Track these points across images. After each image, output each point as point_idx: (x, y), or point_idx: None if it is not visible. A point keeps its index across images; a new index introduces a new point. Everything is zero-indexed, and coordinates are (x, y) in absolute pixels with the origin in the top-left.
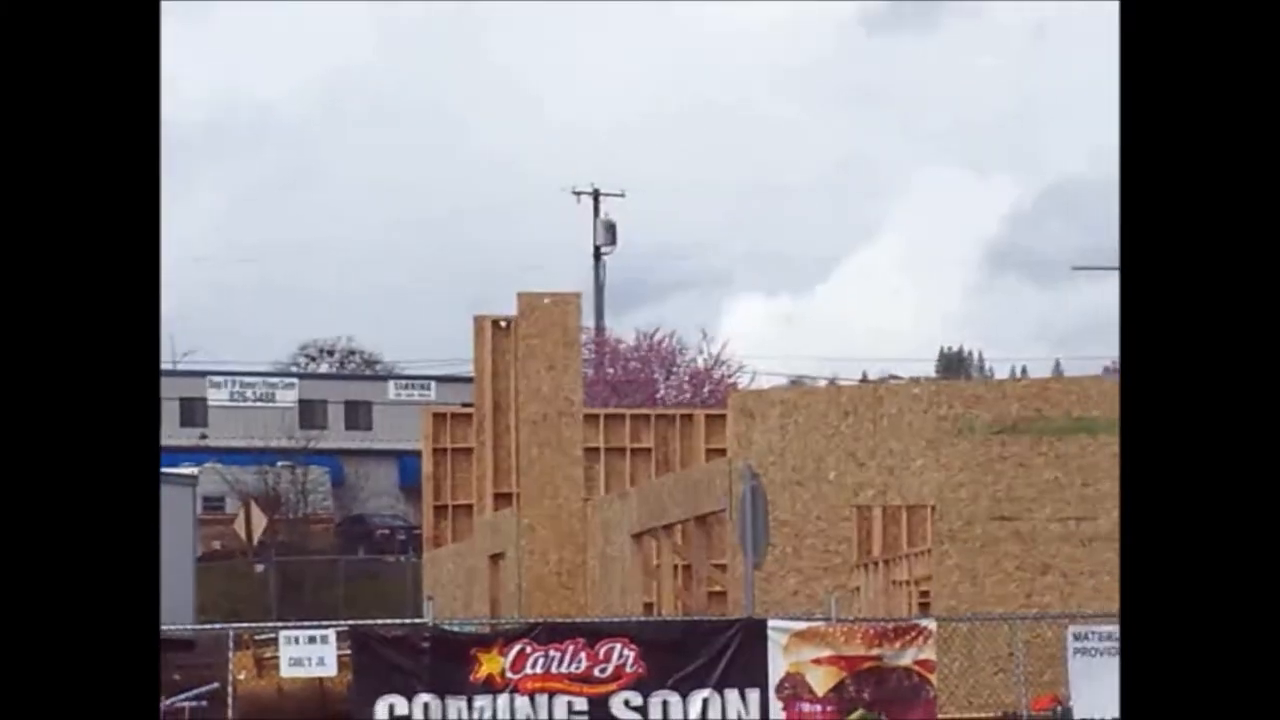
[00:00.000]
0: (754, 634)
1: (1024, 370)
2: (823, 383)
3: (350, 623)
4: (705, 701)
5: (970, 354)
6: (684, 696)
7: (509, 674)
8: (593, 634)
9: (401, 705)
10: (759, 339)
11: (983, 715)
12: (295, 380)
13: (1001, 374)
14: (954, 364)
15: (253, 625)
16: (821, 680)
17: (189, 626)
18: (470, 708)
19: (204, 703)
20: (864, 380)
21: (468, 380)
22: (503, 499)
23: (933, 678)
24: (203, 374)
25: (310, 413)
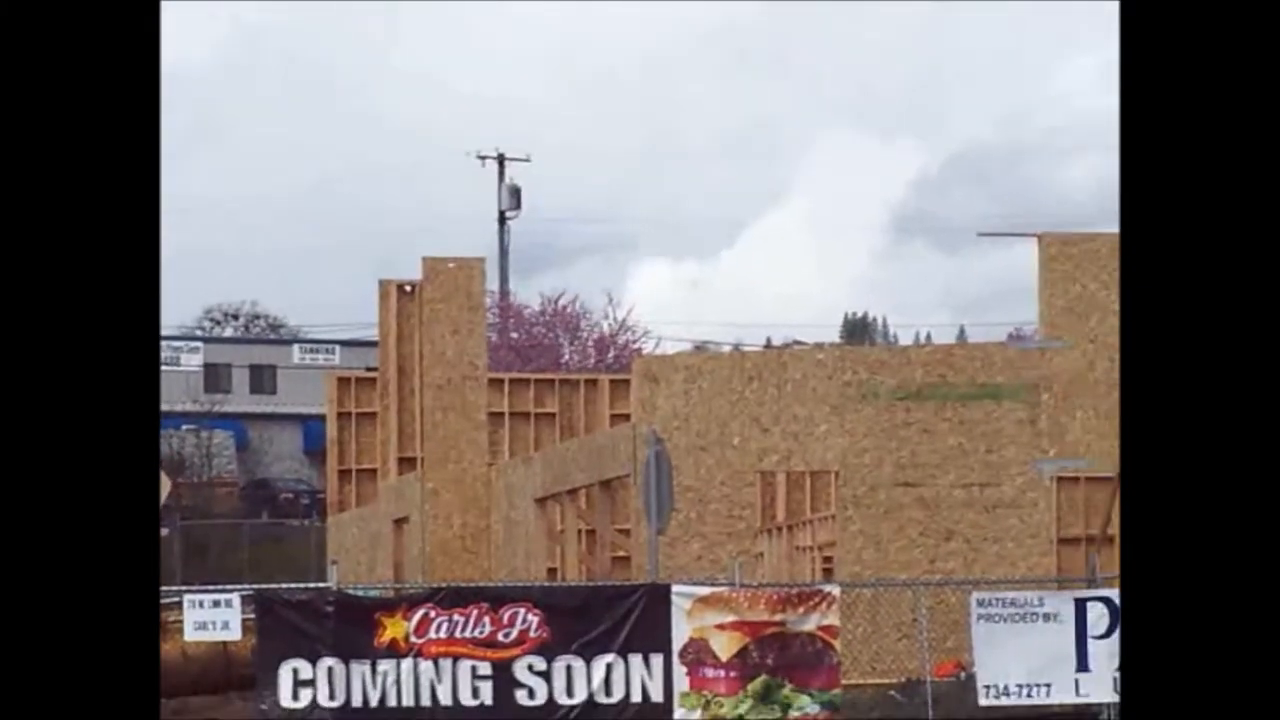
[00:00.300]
0: (658, 599)
1: (928, 336)
2: (727, 348)
3: (254, 587)
4: (609, 666)
5: (875, 320)
6: (587, 662)
7: (413, 638)
8: (496, 599)
9: (305, 669)
10: (664, 304)
11: (886, 681)
12: (200, 344)
13: (906, 340)
14: (858, 330)
15: None
16: (725, 645)
17: None
18: (374, 672)
19: None
20: (768, 346)
21: (372, 345)
22: (407, 463)
23: (836, 643)
24: None
25: (215, 377)
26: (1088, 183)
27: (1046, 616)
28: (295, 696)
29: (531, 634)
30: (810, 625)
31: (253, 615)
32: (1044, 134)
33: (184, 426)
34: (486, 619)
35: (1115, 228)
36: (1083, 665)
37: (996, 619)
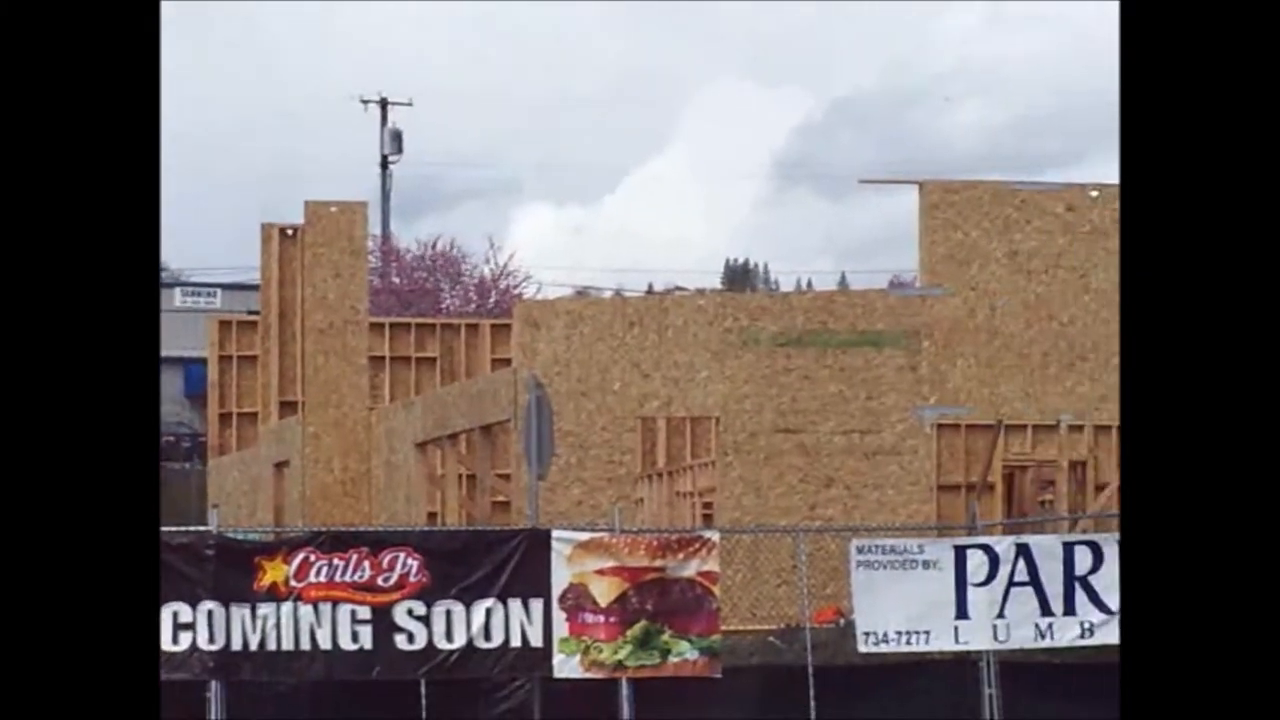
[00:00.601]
0: (538, 544)
1: (810, 283)
2: (609, 294)
3: None
4: (488, 611)
5: (756, 266)
6: (467, 606)
7: (293, 582)
8: (376, 543)
9: (185, 612)
10: (547, 249)
11: (765, 627)
12: None
13: (788, 286)
14: (740, 276)
15: None
16: (605, 591)
17: None
18: (254, 616)
19: None
20: (650, 292)
21: (254, 288)
22: (288, 407)
23: (715, 589)
24: None
25: None
26: (972, 130)
27: (926, 564)
28: (175, 640)
29: (411, 578)
30: (690, 571)
31: None
32: (930, 80)
33: None
34: (366, 563)
35: (999, 174)
36: (962, 612)
37: (876, 566)
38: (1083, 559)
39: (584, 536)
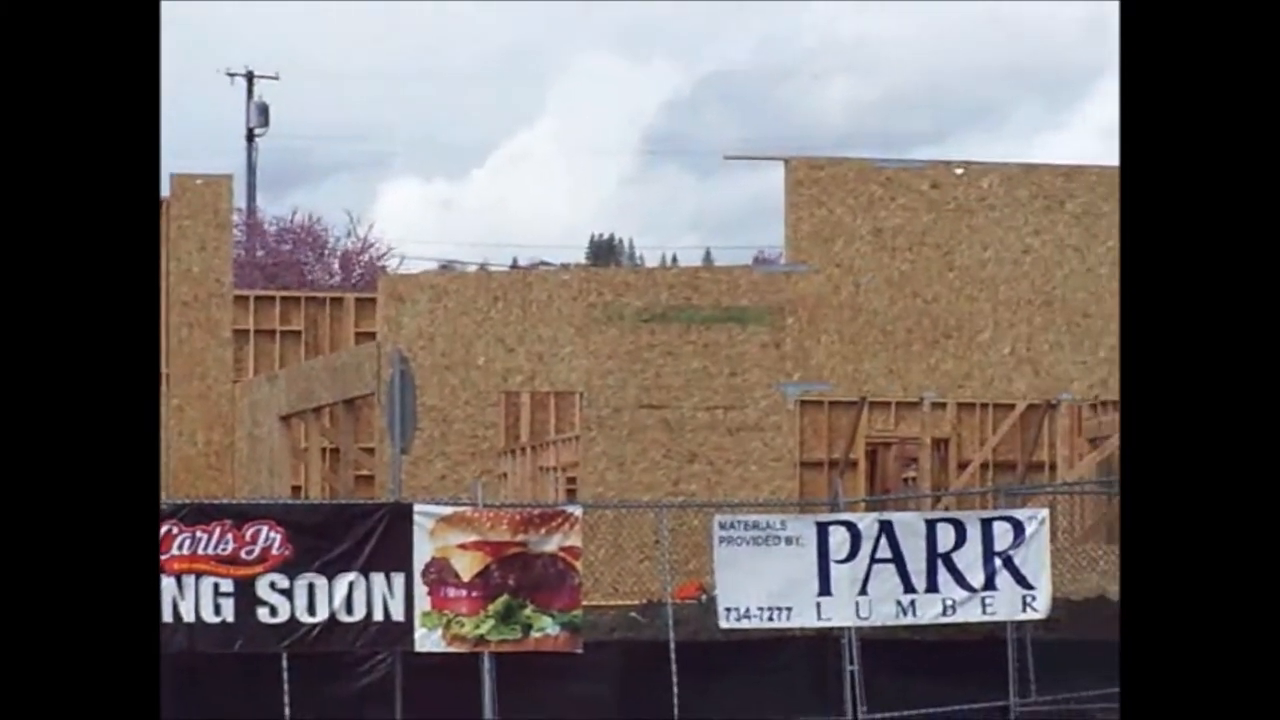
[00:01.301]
0: (400, 518)
1: (674, 259)
2: (474, 268)
3: None
4: (351, 585)
5: (621, 242)
6: (330, 580)
7: None
8: (239, 516)
9: None
10: (415, 223)
11: (627, 602)
12: None
13: (653, 262)
14: (605, 252)
15: None
16: (467, 565)
17: None
18: None
19: None
20: (515, 266)
21: None
22: None
23: (578, 564)
24: None
25: None
26: (840, 107)
27: (788, 540)
28: None
29: (274, 551)
30: (552, 546)
31: None
32: (800, 57)
33: None
34: (229, 536)
35: (866, 152)
36: (824, 589)
37: (738, 541)
38: (945, 536)
39: (447, 511)
